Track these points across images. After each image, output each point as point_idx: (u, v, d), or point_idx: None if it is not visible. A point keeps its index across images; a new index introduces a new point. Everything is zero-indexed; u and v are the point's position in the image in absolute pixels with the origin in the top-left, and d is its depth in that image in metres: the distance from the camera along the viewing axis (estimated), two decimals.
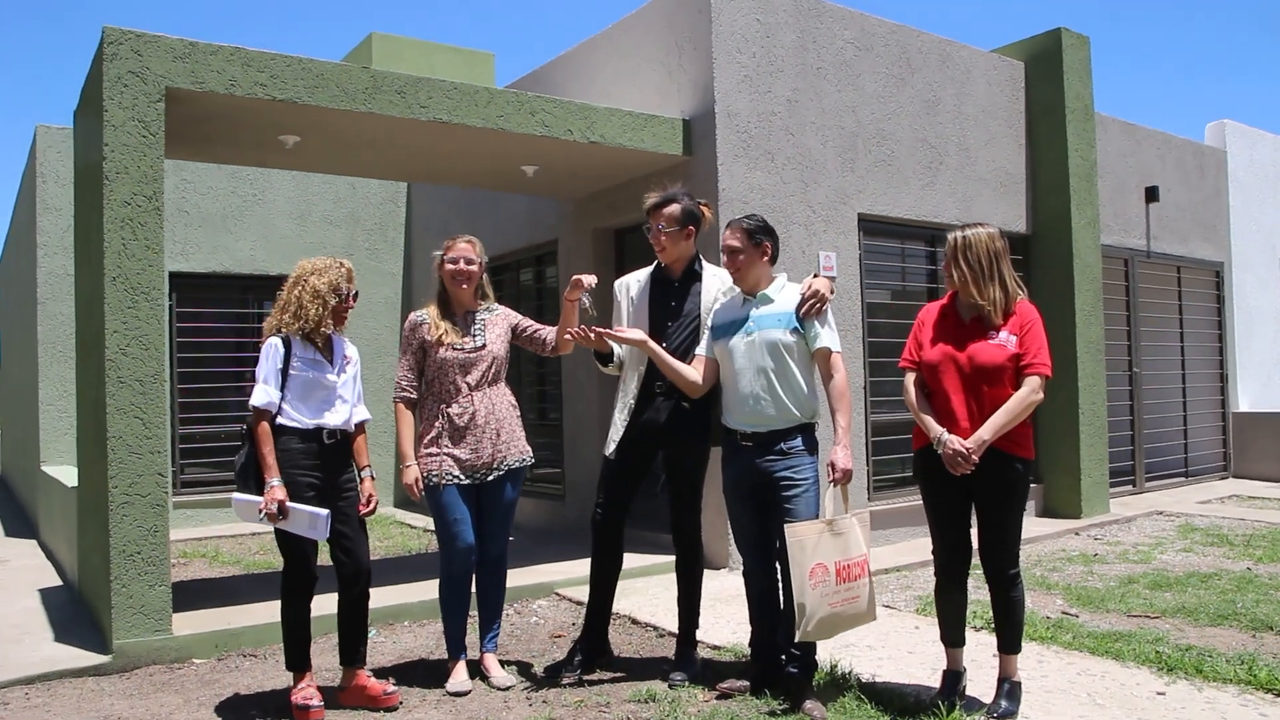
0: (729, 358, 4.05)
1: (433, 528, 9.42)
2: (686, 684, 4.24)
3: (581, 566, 6.55)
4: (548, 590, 6.10)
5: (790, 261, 6.97)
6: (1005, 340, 3.66)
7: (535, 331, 4.55)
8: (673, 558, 4.56)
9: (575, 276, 4.22)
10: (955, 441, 3.60)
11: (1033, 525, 8.16)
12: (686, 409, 4.28)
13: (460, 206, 10.06)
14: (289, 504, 3.83)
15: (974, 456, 3.57)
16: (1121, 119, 9.86)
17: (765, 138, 6.90)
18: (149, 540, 4.73)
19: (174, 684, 4.51)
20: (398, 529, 9.51)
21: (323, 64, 5.41)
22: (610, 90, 7.60)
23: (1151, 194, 9.94)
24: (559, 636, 5.18)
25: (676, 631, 4.63)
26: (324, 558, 4.04)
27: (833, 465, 3.82)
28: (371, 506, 4.12)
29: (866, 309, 7.47)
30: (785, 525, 3.77)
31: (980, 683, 4.04)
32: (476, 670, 4.39)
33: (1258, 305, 11.56)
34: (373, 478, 4.17)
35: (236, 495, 3.94)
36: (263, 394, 3.89)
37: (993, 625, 4.93)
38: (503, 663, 4.51)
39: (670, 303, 4.38)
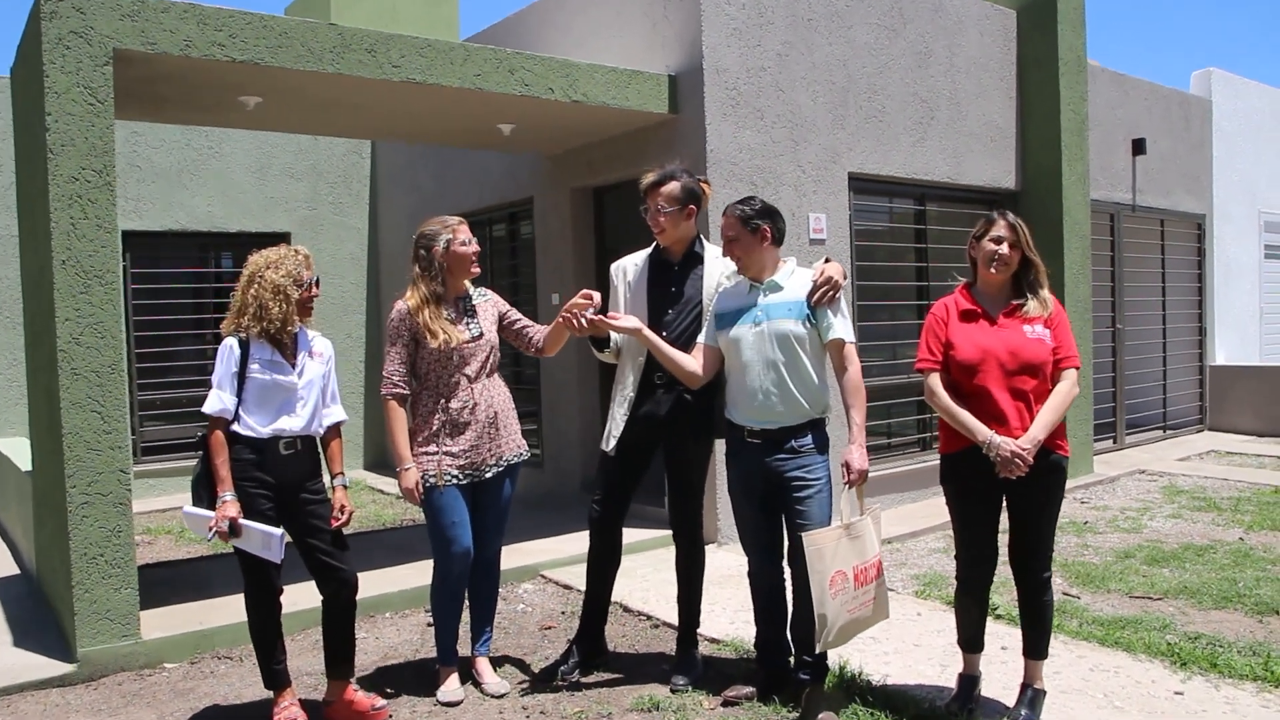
0: (735, 349, 3.78)
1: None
2: (689, 689, 4.06)
3: (567, 544, 6.39)
4: (533, 573, 5.90)
5: None
6: (1041, 334, 3.46)
7: (524, 328, 4.24)
8: (665, 532, 4.38)
9: (584, 291, 3.89)
10: (1009, 444, 3.36)
11: None
12: (689, 400, 4.04)
13: (429, 160, 9.63)
14: (242, 521, 3.55)
15: (1029, 457, 3.35)
16: (1110, 68, 9.60)
17: (755, 95, 6.57)
18: (112, 542, 4.44)
19: (145, 694, 4.26)
20: (369, 495, 9.26)
21: (286, 21, 4.99)
22: (587, 42, 7.19)
23: (1139, 146, 9.74)
24: (549, 628, 4.97)
25: (674, 623, 4.47)
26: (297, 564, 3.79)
27: (848, 466, 3.61)
28: (345, 518, 3.81)
29: (857, 271, 7.23)
30: (803, 534, 3.53)
31: (990, 678, 3.91)
32: (467, 674, 4.17)
33: (1236, 258, 11.48)
34: (345, 487, 3.85)
35: (187, 509, 3.68)
36: (215, 400, 3.58)
37: (997, 612, 4.86)
38: (493, 662, 4.30)
39: (670, 287, 4.12)
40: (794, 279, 3.81)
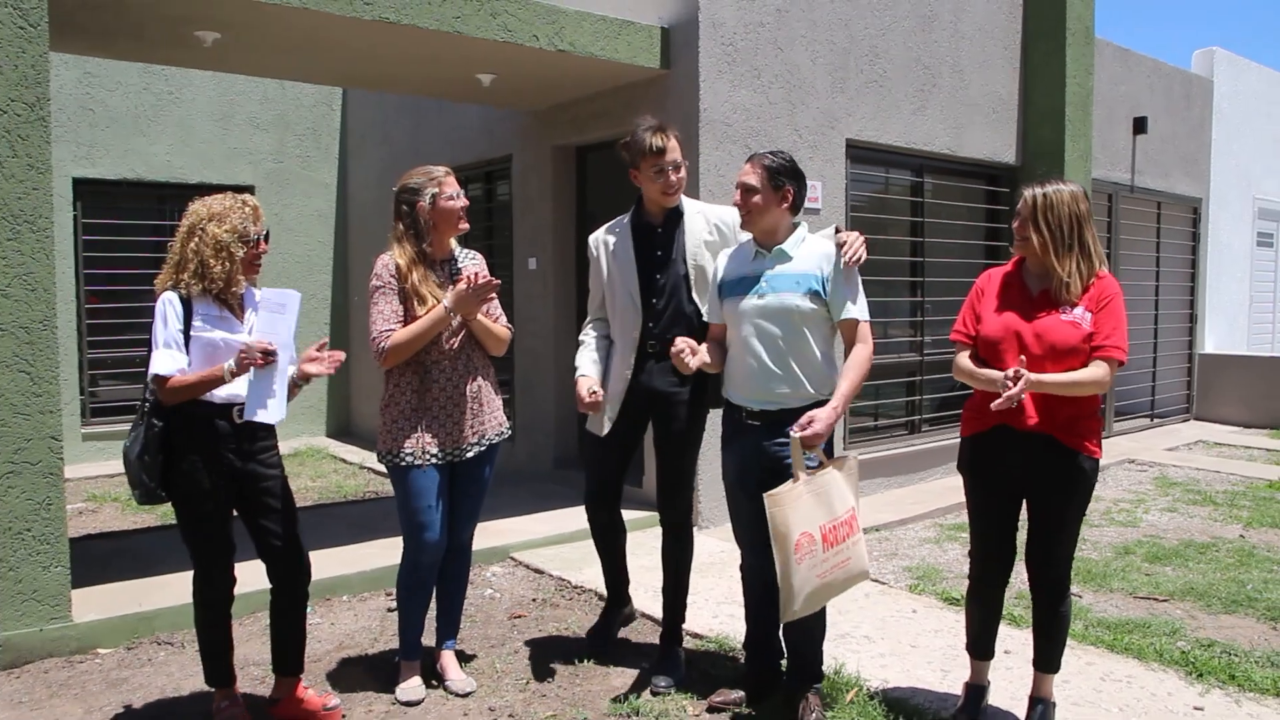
0: (736, 321, 3.44)
1: (371, 464, 8.90)
2: (673, 690, 3.73)
3: (539, 524, 6.04)
4: (503, 555, 5.54)
5: None
6: (1079, 317, 3.09)
7: (497, 317, 3.76)
8: (644, 513, 4.11)
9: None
10: (1014, 373, 2.95)
11: None
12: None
13: (403, 113, 9.15)
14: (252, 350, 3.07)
15: (1023, 380, 2.93)
16: (1114, 43, 9.27)
17: (752, 52, 6.17)
18: (40, 515, 4.02)
19: (73, 684, 3.87)
20: (331, 465, 8.86)
21: None
22: None
23: (1140, 125, 9.44)
24: (519, 617, 4.62)
25: (656, 615, 4.21)
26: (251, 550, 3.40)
27: (810, 421, 3.16)
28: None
29: None
30: (764, 494, 3.13)
31: (995, 686, 3.61)
32: (430, 669, 3.81)
33: (1230, 244, 11.25)
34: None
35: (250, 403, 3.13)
36: (167, 360, 3.11)
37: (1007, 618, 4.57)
38: (460, 656, 3.95)
39: (656, 252, 3.84)
40: (804, 248, 3.44)
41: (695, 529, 5.83)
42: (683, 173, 3.78)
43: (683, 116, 5.99)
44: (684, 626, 4.17)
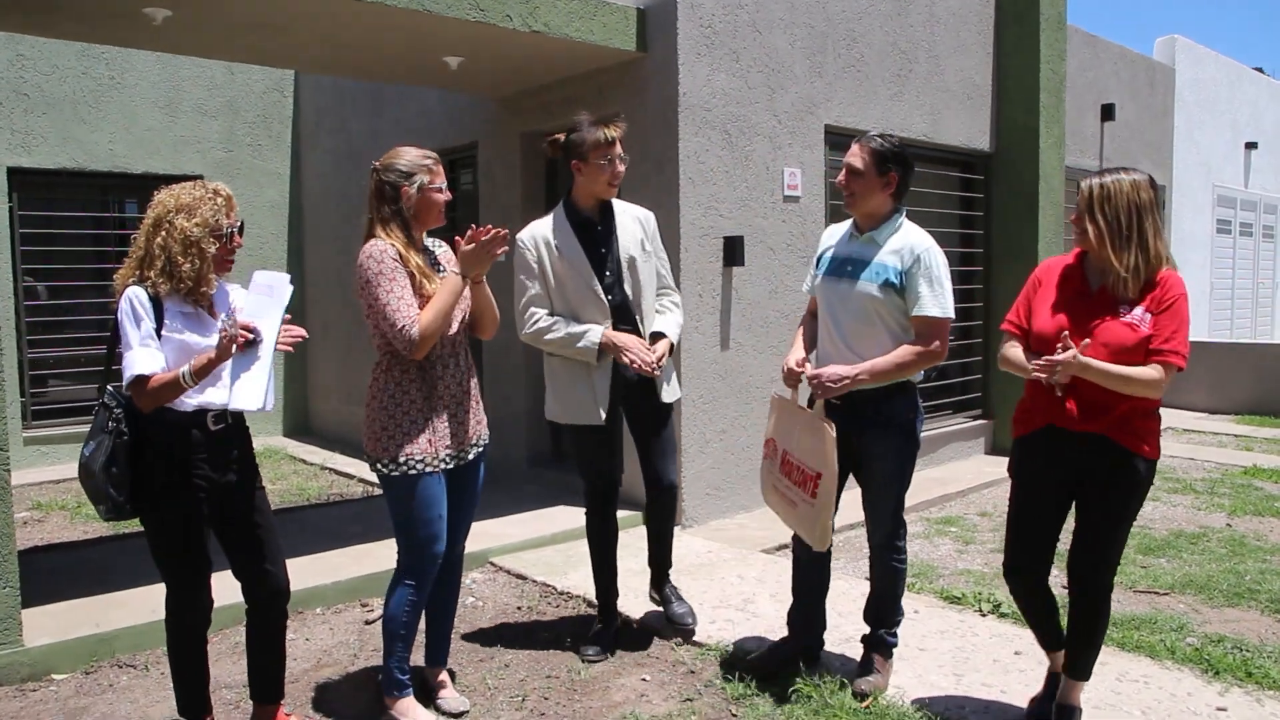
0: (822, 300, 3.59)
1: (333, 465, 8.53)
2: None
3: (516, 526, 5.79)
4: (482, 560, 5.28)
5: (753, 178, 6.14)
6: (1138, 318, 2.90)
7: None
8: (628, 513, 4.16)
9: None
10: (1064, 343, 2.83)
11: (984, 465, 7.75)
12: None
13: (359, 99, 8.80)
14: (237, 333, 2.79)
15: (1072, 353, 2.81)
16: (1082, 28, 9.23)
17: (731, 34, 5.96)
18: None
19: (26, 715, 3.55)
20: (290, 465, 8.51)
21: None
22: None
23: (1108, 112, 9.41)
24: (504, 627, 4.38)
25: (649, 623, 4.22)
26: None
27: (825, 373, 3.37)
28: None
29: None
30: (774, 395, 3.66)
31: (1009, 689, 3.45)
32: (419, 687, 3.55)
33: (1192, 232, 11.32)
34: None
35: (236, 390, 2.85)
36: (147, 359, 2.78)
37: (1001, 610, 4.44)
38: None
39: (600, 249, 3.90)
40: (895, 238, 3.45)
41: (680, 528, 5.69)
42: (622, 169, 3.85)
43: (661, 101, 5.77)
44: (681, 638, 4.18)
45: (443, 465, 3.25)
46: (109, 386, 2.93)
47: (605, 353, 3.77)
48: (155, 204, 2.94)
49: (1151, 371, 2.87)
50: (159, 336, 2.84)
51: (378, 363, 3.27)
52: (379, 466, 3.23)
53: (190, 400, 2.88)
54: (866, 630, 3.71)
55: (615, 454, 4.00)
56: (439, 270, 3.28)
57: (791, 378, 3.52)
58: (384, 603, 3.37)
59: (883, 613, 3.65)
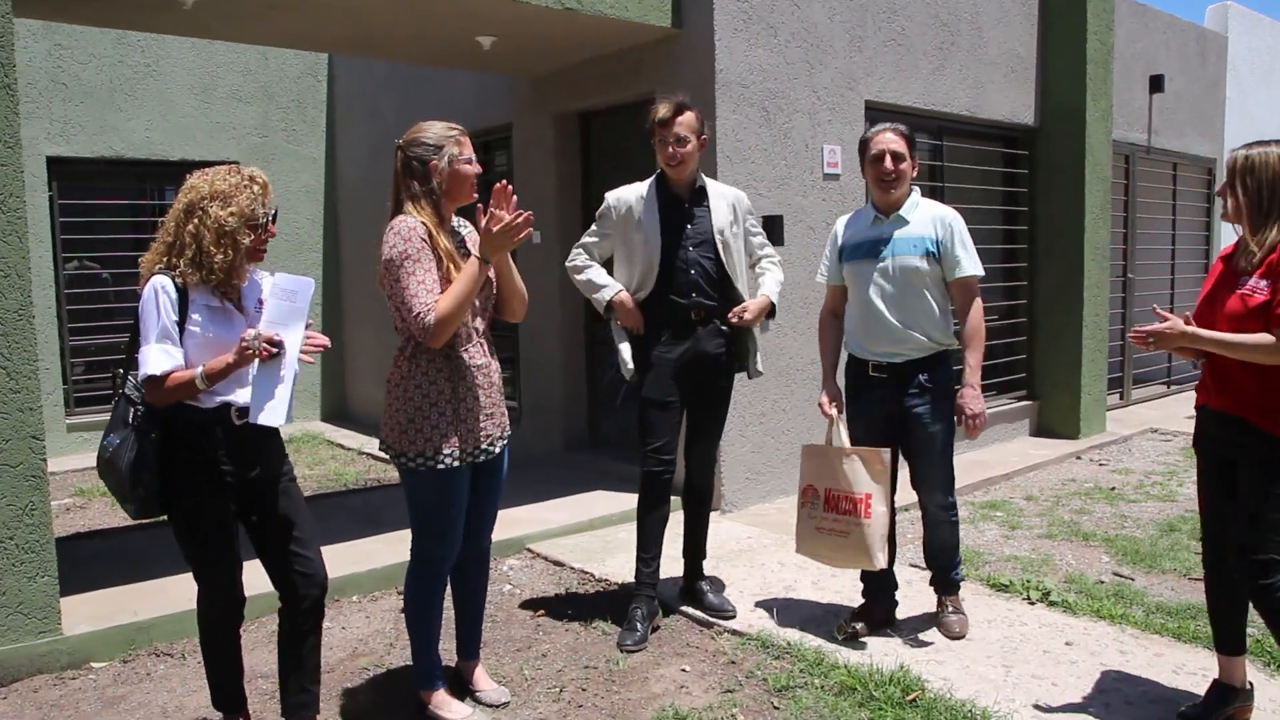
0: (859, 283, 3.81)
1: (370, 449, 8.51)
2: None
3: (553, 511, 5.73)
4: (518, 546, 5.24)
5: (792, 155, 6.00)
6: (1254, 287, 2.79)
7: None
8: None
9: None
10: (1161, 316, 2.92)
11: (1029, 447, 7.58)
12: (729, 333, 4.04)
13: (393, 82, 8.75)
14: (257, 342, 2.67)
15: (1169, 324, 2.86)
16: None
17: (768, 8, 5.81)
18: (24, 521, 3.69)
19: (66, 704, 3.56)
20: (328, 450, 8.53)
21: None
22: None
23: (1156, 83, 9.11)
24: (541, 615, 4.33)
25: (683, 609, 4.24)
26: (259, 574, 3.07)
27: (961, 410, 3.71)
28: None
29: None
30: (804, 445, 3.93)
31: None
32: (453, 680, 3.51)
33: None
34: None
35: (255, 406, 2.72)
36: (161, 357, 2.67)
37: (1046, 596, 4.31)
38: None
39: (686, 225, 3.99)
40: (918, 212, 3.79)
41: (719, 514, 5.60)
42: (689, 148, 3.87)
43: (698, 78, 5.64)
44: (721, 624, 4.13)
45: (469, 459, 3.14)
46: (129, 377, 2.83)
47: (613, 311, 3.96)
48: (188, 188, 2.81)
49: (1261, 337, 2.75)
50: (181, 331, 2.74)
51: (401, 348, 3.12)
52: (403, 460, 3.11)
53: (211, 400, 2.79)
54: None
55: (677, 431, 4.05)
56: (465, 253, 3.16)
57: (827, 416, 3.85)
58: (404, 598, 3.31)
59: (945, 559, 3.98)
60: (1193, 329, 2.85)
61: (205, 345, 2.76)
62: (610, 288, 3.97)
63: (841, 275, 3.91)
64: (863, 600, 4.05)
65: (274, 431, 2.98)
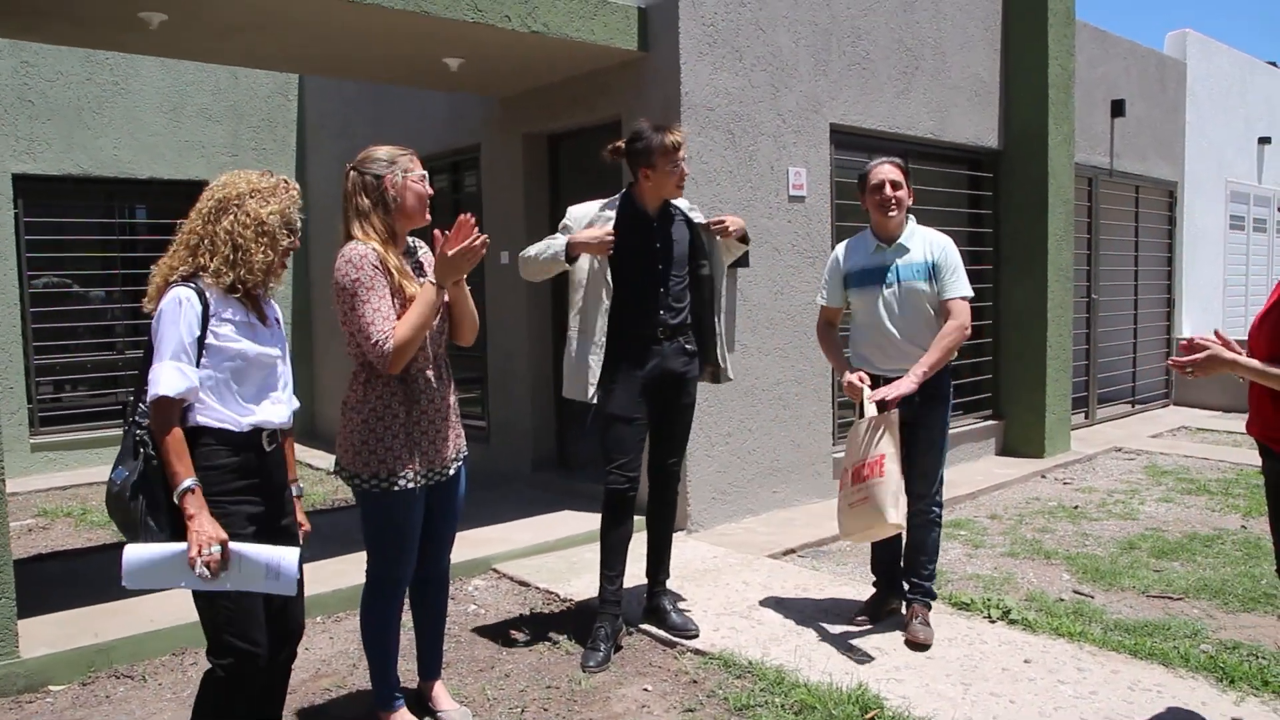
0: (868, 307, 4.09)
1: (336, 468, 8.39)
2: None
3: (519, 531, 5.73)
4: (484, 566, 5.24)
5: (758, 178, 6.07)
6: None
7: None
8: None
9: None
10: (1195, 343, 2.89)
11: (994, 466, 7.66)
12: (693, 349, 4.15)
13: (363, 102, 8.76)
14: (235, 547, 2.50)
15: (1201, 358, 2.82)
16: (1091, 23, 9.11)
17: (733, 33, 5.90)
18: None
19: None
20: (297, 470, 8.45)
21: None
22: None
23: (1118, 108, 9.29)
24: (505, 635, 4.32)
25: (647, 629, 4.25)
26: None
27: (889, 393, 3.85)
28: (303, 535, 2.94)
29: (836, 233, 6.62)
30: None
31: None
32: (414, 700, 3.50)
33: (1204, 228, 11.18)
34: (299, 497, 2.97)
35: (130, 554, 2.45)
36: (175, 376, 2.47)
37: (1010, 616, 4.36)
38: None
39: (655, 244, 4.05)
40: (916, 239, 4.06)
41: (684, 533, 5.62)
42: (686, 172, 4.09)
43: (663, 101, 5.71)
44: (685, 644, 4.12)
45: (423, 481, 3.15)
46: (140, 403, 2.59)
47: (573, 252, 3.89)
48: (220, 185, 2.65)
49: None
50: (201, 347, 2.55)
51: (355, 373, 3.10)
52: (357, 481, 3.09)
53: (243, 419, 2.63)
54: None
55: (638, 452, 4.07)
56: (421, 275, 3.15)
57: (854, 392, 3.94)
58: (360, 619, 3.31)
59: (920, 564, 4.19)
60: (1232, 356, 2.79)
61: (235, 359, 2.61)
62: (559, 238, 3.94)
63: (842, 298, 4.21)
64: (873, 591, 4.40)
65: (284, 461, 2.86)
